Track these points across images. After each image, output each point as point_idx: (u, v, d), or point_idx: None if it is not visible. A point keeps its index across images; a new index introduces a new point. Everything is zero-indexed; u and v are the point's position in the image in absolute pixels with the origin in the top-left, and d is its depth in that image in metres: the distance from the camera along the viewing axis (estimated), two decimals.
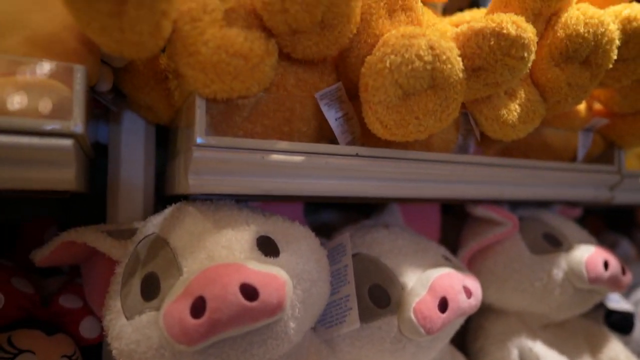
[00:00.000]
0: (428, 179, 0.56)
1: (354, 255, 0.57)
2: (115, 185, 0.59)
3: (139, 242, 0.48)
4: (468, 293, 0.55)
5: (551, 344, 0.65)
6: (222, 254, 0.44)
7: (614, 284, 0.63)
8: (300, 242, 0.49)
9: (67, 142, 0.38)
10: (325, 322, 0.54)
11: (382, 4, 0.46)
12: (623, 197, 0.73)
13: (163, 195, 0.63)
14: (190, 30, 0.39)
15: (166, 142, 0.64)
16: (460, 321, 0.58)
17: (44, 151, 0.38)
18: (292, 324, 0.45)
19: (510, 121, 0.54)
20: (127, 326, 0.44)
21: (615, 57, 0.54)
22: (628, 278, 0.65)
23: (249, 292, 0.40)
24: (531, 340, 0.65)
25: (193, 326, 0.39)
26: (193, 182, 0.44)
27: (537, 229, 0.68)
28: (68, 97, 0.39)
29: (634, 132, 0.65)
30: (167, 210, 0.51)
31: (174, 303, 0.41)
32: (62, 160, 0.39)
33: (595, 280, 0.61)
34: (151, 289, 0.44)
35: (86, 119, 0.40)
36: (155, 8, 0.35)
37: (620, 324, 0.72)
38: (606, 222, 1.10)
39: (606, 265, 0.62)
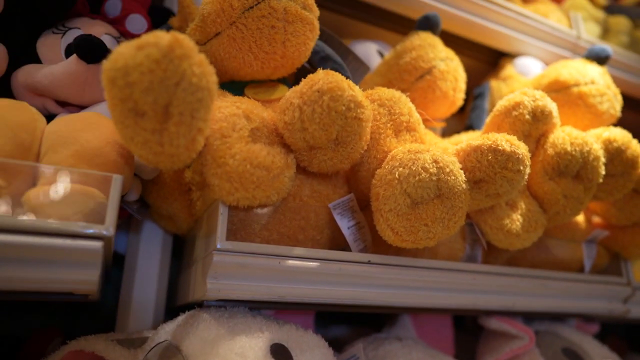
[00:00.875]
0: (439, 287, 0.56)
1: None
2: (128, 294, 0.60)
3: (149, 350, 0.48)
4: None
5: None
6: None
7: None
8: (314, 351, 0.48)
9: (97, 245, 0.41)
10: None
11: (389, 124, 0.52)
12: (639, 311, 0.72)
13: (173, 306, 0.63)
14: (220, 145, 0.44)
15: (178, 254, 0.66)
16: None
17: (75, 252, 0.40)
18: None
19: (514, 230, 0.56)
20: None
21: (603, 172, 0.58)
22: None
23: None
24: None
25: None
26: (211, 286, 0.46)
27: (555, 343, 0.66)
28: (104, 203, 0.42)
29: (636, 243, 0.67)
30: (180, 318, 0.51)
31: None
32: (90, 261, 0.41)
33: None
34: None
35: (116, 225, 0.43)
36: (192, 126, 0.40)
37: None
38: (628, 343, 1.06)
39: None
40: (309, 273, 0.49)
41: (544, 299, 0.64)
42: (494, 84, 0.82)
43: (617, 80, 0.76)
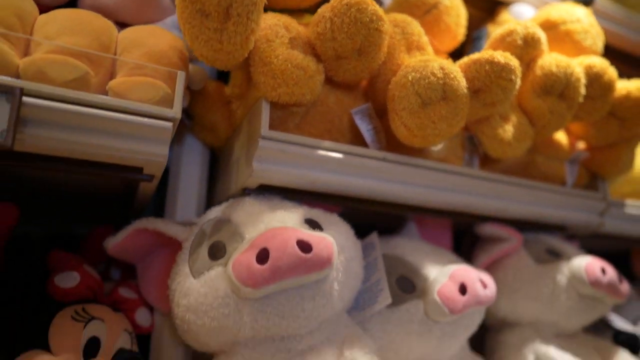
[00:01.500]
0: (442, 186, 0.66)
1: (382, 256, 0.65)
2: (173, 200, 0.69)
3: (204, 223, 0.57)
4: (484, 284, 0.62)
5: (564, 350, 0.69)
6: (277, 225, 0.53)
7: (613, 290, 0.70)
8: (339, 226, 0.58)
9: (168, 124, 0.50)
10: (359, 307, 0.61)
11: (402, 42, 0.61)
12: (613, 224, 0.83)
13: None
14: (266, 47, 0.53)
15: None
16: (478, 317, 0.64)
17: (150, 129, 0.49)
18: (336, 286, 0.52)
19: (507, 139, 0.66)
20: (195, 283, 0.51)
21: (584, 92, 0.68)
22: (625, 287, 0.72)
23: (305, 246, 0.49)
24: (545, 345, 0.69)
25: (259, 270, 0.47)
26: (257, 167, 0.55)
27: (539, 245, 0.77)
28: (171, 94, 0.52)
29: (612, 161, 0.77)
30: (225, 203, 0.60)
31: (242, 254, 0.49)
32: (161, 138, 0.50)
33: (595, 283, 0.68)
34: (217, 252, 0.52)
35: (181, 111, 0.52)
36: (248, 26, 0.49)
37: (628, 342, 0.77)
38: None
39: (604, 271, 0.69)
40: (334, 163, 0.59)
41: (532, 207, 0.74)
42: (490, 28, 0.91)
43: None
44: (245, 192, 0.61)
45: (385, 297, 0.58)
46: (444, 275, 0.61)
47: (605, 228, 0.82)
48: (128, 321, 0.59)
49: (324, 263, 0.49)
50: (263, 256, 0.48)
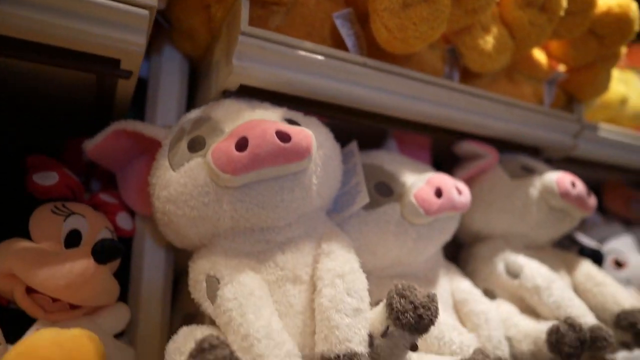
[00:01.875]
0: (421, 97, 0.67)
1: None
2: (153, 107, 0.68)
3: (184, 122, 0.57)
4: (459, 191, 0.64)
5: (532, 259, 0.73)
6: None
7: (581, 203, 0.72)
8: (319, 127, 0.59)
9: (145, 12, 0.49)
10: (338, 208, 0.62)
11: None
12: (586, 148, 0.85)
13: None
14: None
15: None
16: (453, 224, 0.67)
17: (127, 15, 0.48)
18: (314, 180, 0.53)
19: (487, 50, 0.67)
20: (175, 175, 0.52)
21: (565, 5, 0.68)
22: (593, 201, 0.75)
23: (284, 136, 0.49)
24: (515, 255, 0.73)
25: (237, 157, 0.47)
26: (236, 64, 0.54)
27: (515, 162, 0.79)
28: None
29: (589, 81, 0.79)
30: (206, 105, 0.60)
31: (221, 142, 0.49)
32: (138, 27, 0.49)
33: (565, 194, 0.71)
34: (197, 145, 0.53)
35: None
36: None
37: (592, 256, 0.81)
38: None
39: (573, 184, 0.72)
40: (315, 65, 0.58)
41: (509, 124, 0.75)
42: None
43: None
44: (226, 94, 0.60)
45: (363, 197, 0.60)
46: (421, 180, 0.63)
47: (579, 151, 0.85)
48: (108, 221, 0.60)
49: (303, 153, 0.50)
50: (242, 144, 0.48)
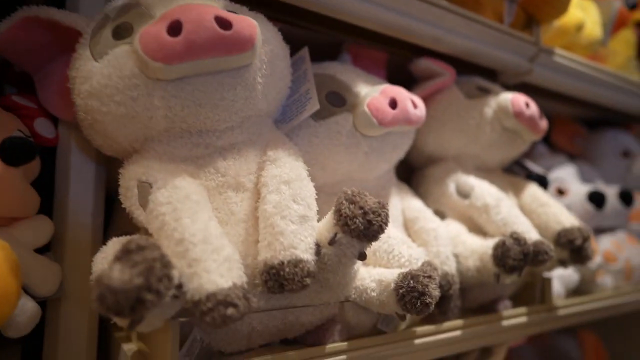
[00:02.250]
0: (377, 1, 0.62)
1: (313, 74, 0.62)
2: None
3: (108, 10, 0.49)
4: (414, 104, 0.61)
5: (482, 180, 0.73)
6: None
7: (533, 124, 0.72)
8: (266, 23, 0.53)
9: None
10: (287, 118, 0.58)
11: None
12: (541, 73, 0.84)
13: None
14: None
15: None
16: (407, 140, 0.64)
17: None
18: (259, 79, 0.48)
19: None
20: (97, 65, 0.45)
21: None
22: (544, 124, 0.74)
23: (224, 22, 0.43)
24: (466, 175, 0.72)
25: (170, 43, 0.41)
26: None
27: (471, 83, 0.77)
28: None
29: (549, 1, 0.76)
30: None
31: (151, 26, 0.42)
32: None
33: (518, 114, 0.70)
34: (124, 32, 0.46)
35: None
36: None
37: (539, 180, 0.82)
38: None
39: (527, 105, 0.71)
40: None
41: (466, 41, 0.72)
42: None
43: None
44: None
45: (313, 104, 0.55)
46: (376, 90, 0.59)
47: (534, 75, 0.84)
48: (24, 126, 0.53)
49: (246, 43, 0.44)
50: (175, 27, 0.42)
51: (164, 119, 0.45)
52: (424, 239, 0.63)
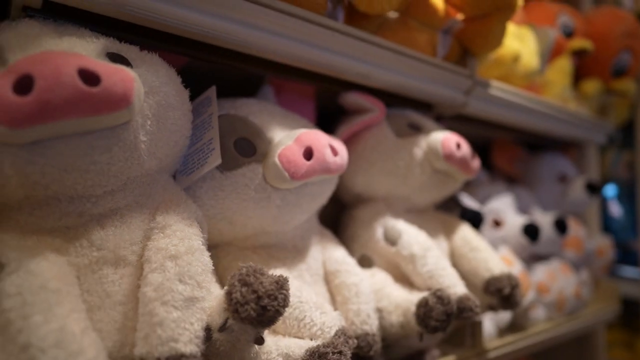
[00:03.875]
0: (297, 37, 0.56)
1: (220, 116, 0.55)
2: None
3: None
4: (334, 151, 0.56)
5: (412, 224, 0.69)
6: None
7: (464, 165, 0.69)
8: (158, 67, 0.46)
9: None
10: (187, 169, 0.51)
11: None
12: (477, 105, 0.81)
13: None
14: None
15: None
16: (328, 187, 0.59)
17: None
18: (142, 137, 0.42)
19: None
20: None
21: None
22: (476, 164, 0.71)
23: (90, 77, 0.36)
24: (394, 219, 0.68)
25: (16, 103, 0.34)
26: None
27: (402, 119, 0.73)
28: None
29: (483, 33, 0.73)
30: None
31: None
32: None
33: (449, 156, 0.66)
34: None
35: None
36: None
37: (472, 218, 0.80)
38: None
39: (459, 146, 0.68)
40: None
41: (397, 76, 0.68)
42: None
43: None
44: (28, 13, 0.45)
45: (215, 157, 0.49)
46: (290, 138, 0.53)
47: (469, 108, 0.81)
48: None
49: (119, 101, 0.38)
50: (25, 84, 0.34)
51: (21, 187, 0.38)
52: (344, 295, 0.58)
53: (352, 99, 0.69)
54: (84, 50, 0.41)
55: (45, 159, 0.37)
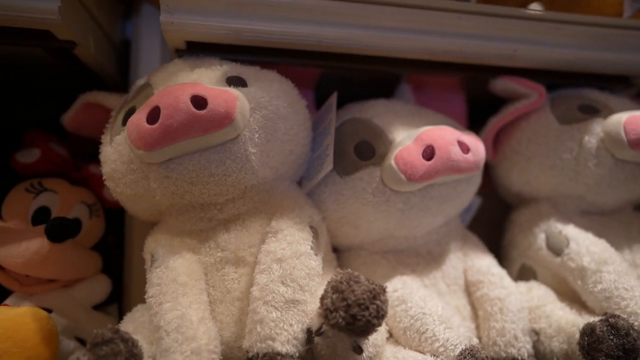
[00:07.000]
0: (419, 28, 0.52)
1: (346, 121, 0.56)
2: (135, 67, 0.65)
3: (132, 90, 0.53)
4: (464, 148, 0.50)
5: (590, 229, 0.55)
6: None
7: None
8: (272, 82, 0.50)
9: None
10: (310, 175, 0.54)
11: None
12: None
13: None
14: None
15: None
16: (466, 187, 0.53)
17: None
18: (251, 149, 0.45)
19: None
20: (110, 150, 0.48)
21: None
22: None
23: (199, 101, 0.42)
24: (561, 224, 0.56)
25: (148, 131, 0.42)
26: (165, 19, 0.48)
27: (572, 102, 0.59)
28: None
29: None
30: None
31: (135, 115, 0.44)
32: None
33: (636, 142, 0.51)
34: (128, 117, 0.48)
35: None
36: None
37: None
38: None
39: None
40: (262, 5, 0.48)
41: (560, 49, 0.56)
42: None
43: None
44: (178, 54, 0.54)
45: (329, 163, 0.50)
46: (410, 137, 0.50)
47: None
48: (90, 194, 0.61)
49: (222, 120, 0.42)
50: (154, 115, 0.42)
51: (163, 196, 0.47)
52: (486, 310, 0.51)
53: (503, 84, 0.60)
54: (208, 78, 0.47)
55: (176, 174, 0.45)
